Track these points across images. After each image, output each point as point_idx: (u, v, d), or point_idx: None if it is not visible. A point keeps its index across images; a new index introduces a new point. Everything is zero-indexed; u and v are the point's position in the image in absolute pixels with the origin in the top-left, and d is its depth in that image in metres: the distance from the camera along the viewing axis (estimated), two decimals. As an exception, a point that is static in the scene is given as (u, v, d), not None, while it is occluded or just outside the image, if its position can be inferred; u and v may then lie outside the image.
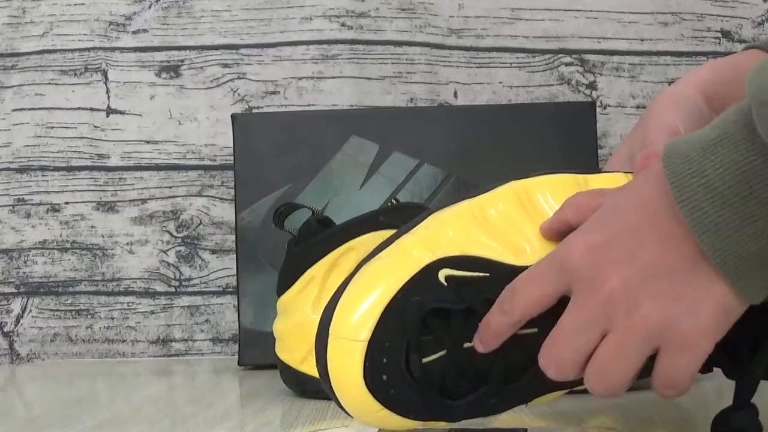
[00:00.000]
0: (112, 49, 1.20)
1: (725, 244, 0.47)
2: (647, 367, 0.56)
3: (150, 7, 1.20)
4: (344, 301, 0.54)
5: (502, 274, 0.54)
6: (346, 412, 0.55)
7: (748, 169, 0.46)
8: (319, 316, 0.55)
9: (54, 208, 1.19)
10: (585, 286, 0.50)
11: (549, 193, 0.57)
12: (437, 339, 0.53)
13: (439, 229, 0.56)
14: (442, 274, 0.53)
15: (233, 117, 1.01)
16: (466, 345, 0.53)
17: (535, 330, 0.53)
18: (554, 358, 0.51)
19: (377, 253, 0.56)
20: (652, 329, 0.49)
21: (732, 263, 0.47)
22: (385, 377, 0.52)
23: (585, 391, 0.63)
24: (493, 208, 0.56)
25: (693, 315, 0.48)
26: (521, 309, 0.52)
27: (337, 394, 0.54)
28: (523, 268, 0.54)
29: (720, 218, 0.47)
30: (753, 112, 0.46)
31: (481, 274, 0.54)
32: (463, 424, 0.56)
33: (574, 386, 0.56)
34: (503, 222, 0.55)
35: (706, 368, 0.56)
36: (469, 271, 0.54)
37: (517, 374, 0.54)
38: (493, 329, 0.53)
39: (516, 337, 0.53)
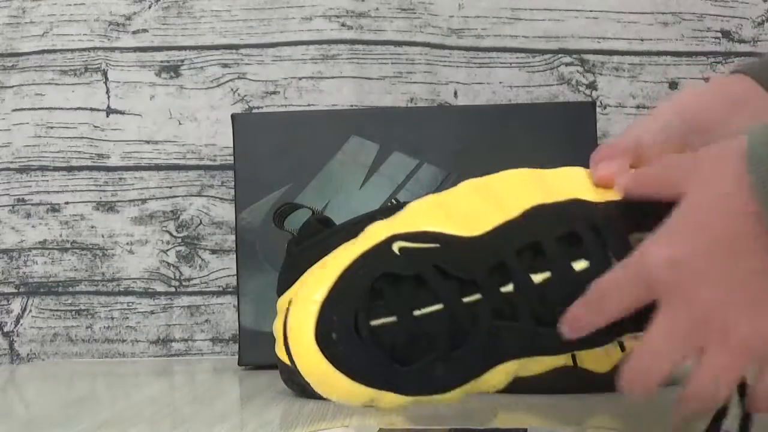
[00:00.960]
0: (112, 49, 1.20)
1: None
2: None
3: (150, 7, 1.20)
4: (308, 272, 0.59)
5: (452, 244, 0.56)
6: (301, 376, 0.56)
7: None
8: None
9: (54, 208, 1.19)
10: (675, 301, 0.48)
11: (507, 182, 0.60)
12: (387, 304, 0.55)
13: (403, 213, 0.59)
14: (396, 245, 0.57)
15: (233, 117, 1.01)
16: (416, 313, 0.55)
17: (480, 296, 0.55)
18: (641, 371, 0.50)
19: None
20: (755, 347, 0.47)
21: None
22: (334, 335, 0.55)
23: (578, 391, 0.63)
24: (453, 196, 0.60)
25: None
26: (610, 315, 0.51)
27: (292, 354, 0.56)
28: (471, 239, 0.56)
29: None
30: None
31: (432, 245, 0.56)
32: (462, 423, 0.56)
33: (530, 355, 0.56)
34: (462, 204, 0.58)
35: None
36: (422, 243, 0.56)
37: (463, 339, 0.55)
38: (584, 325, 0.53)
39: (462, 304, 0.55)
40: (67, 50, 1.20)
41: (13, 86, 1.20)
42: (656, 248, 0.50)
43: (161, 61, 1.19)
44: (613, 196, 0.58)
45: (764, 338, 0.47)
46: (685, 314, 0.48)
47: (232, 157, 1.02)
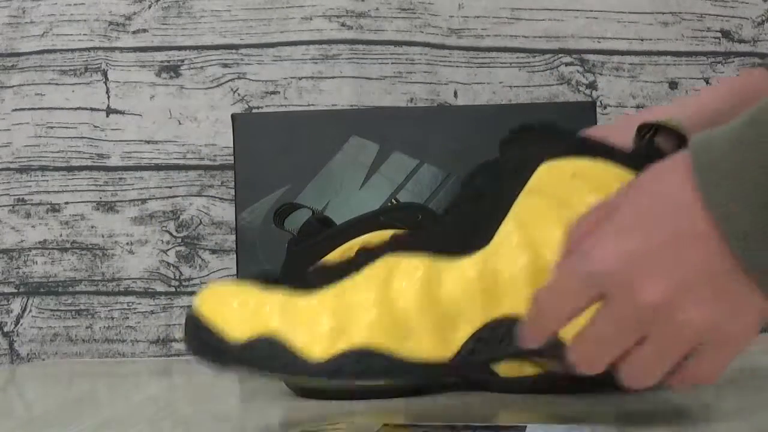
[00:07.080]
0: (112, 49, 1.20)
1: (759, 249, 0.46)
2: None
3: (150, 7, 1.20)
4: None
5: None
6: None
7: None
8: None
9: (54, 208, 1.19)
10: (621, 293, 0.49)
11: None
12: None
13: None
14: None
15: (233, 117, 1.01)
16: None
17: None
18: (585, 356, 0.52)
19: None
20: (695, 333, 0.49)
21: (765, 269, 0.46)
22: None
23: (577, 390, 0.63)
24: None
25: (735, 317, 0.49)
26: (552, 325, 0.53)
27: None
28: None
29: (752, 224, 0.46)
30: None
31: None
32: (462, 421, 0.56)
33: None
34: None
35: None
36: None
37: None
38: (531, 339, 0.54)
39: None
40: (67, 50, 1.20)
41: (13, 86, 1.20)
42: (605, 241, 0.51)
43: (161, 61, 1.19)
44: None
45: (705, 325, 0.49)
46: (632, 306, 0.49)
47: (232, 157, 1.02)
